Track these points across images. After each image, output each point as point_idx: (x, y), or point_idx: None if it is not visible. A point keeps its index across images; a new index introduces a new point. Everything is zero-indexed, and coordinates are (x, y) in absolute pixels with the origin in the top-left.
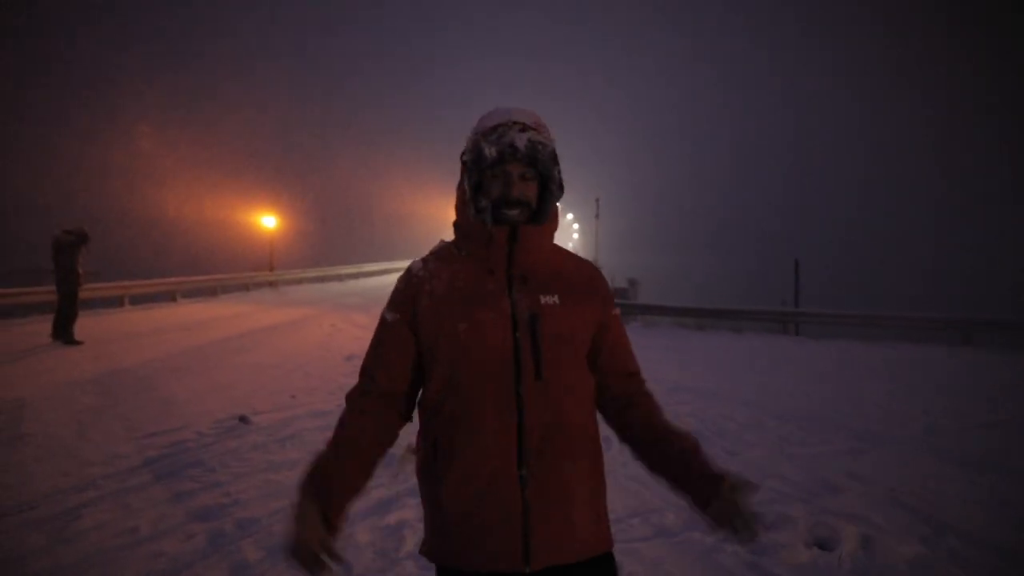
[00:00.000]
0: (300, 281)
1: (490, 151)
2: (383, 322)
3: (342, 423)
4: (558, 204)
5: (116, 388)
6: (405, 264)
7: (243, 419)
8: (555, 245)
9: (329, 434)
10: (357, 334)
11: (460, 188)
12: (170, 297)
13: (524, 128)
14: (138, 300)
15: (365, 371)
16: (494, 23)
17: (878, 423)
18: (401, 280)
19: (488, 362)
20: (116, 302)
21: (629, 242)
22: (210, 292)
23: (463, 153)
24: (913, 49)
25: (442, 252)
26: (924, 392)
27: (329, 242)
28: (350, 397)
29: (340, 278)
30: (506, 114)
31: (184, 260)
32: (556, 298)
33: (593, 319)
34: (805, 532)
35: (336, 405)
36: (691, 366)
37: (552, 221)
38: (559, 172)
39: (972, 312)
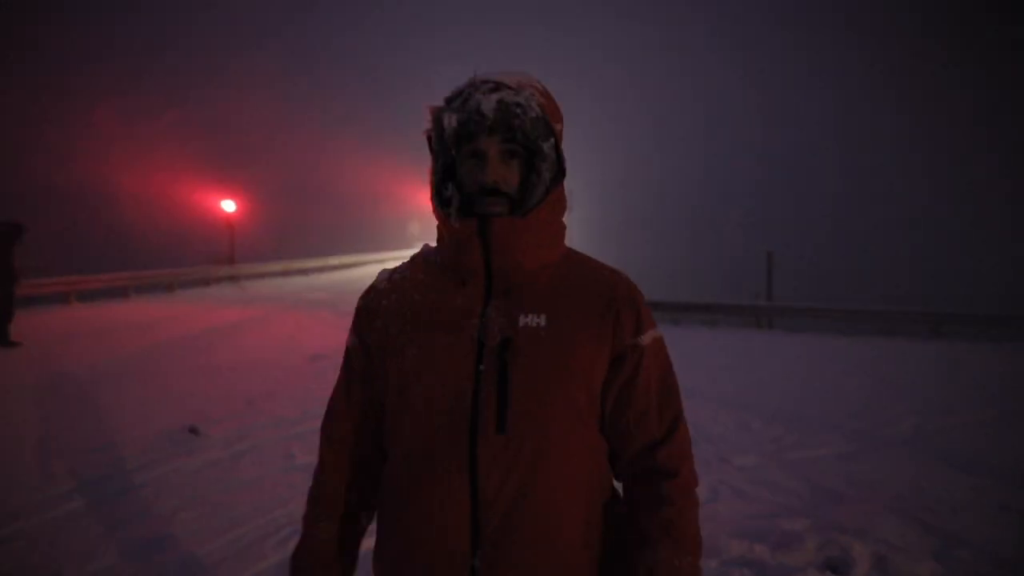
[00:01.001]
0: (263, 275)
1: (450, 121)
2: (345, 352)
3: (318, 468)
4: (564, 189)
5: (54, 396)
6: (376, 257)
7: (194, 430)
8: (567, 249)
9: (298, 456)
10: (323, 332)
11: (430, 175)
12: (121, 294)
13: (497, 87)
14: (86, 297)
15: (330, 402)
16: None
17: (868, 423)
18: (362, 295)
19: (437, 403)
20: (62, 299)
21: (599, 234)
22: (166, 288)
23: (426, 130)
24: (899, 44)
25: (417, 258)
26: (905, 387)
27: (295, 233)
28: (323, 425)
29: (305, 272)
30: (478, 76)
31: (138, 253)
32: (542, 318)
33: (602, 350)
34: (815, 552)
35: (301, 412)
36: None
37: (545, 211)
38: (553, 145)
39: (942, 306)
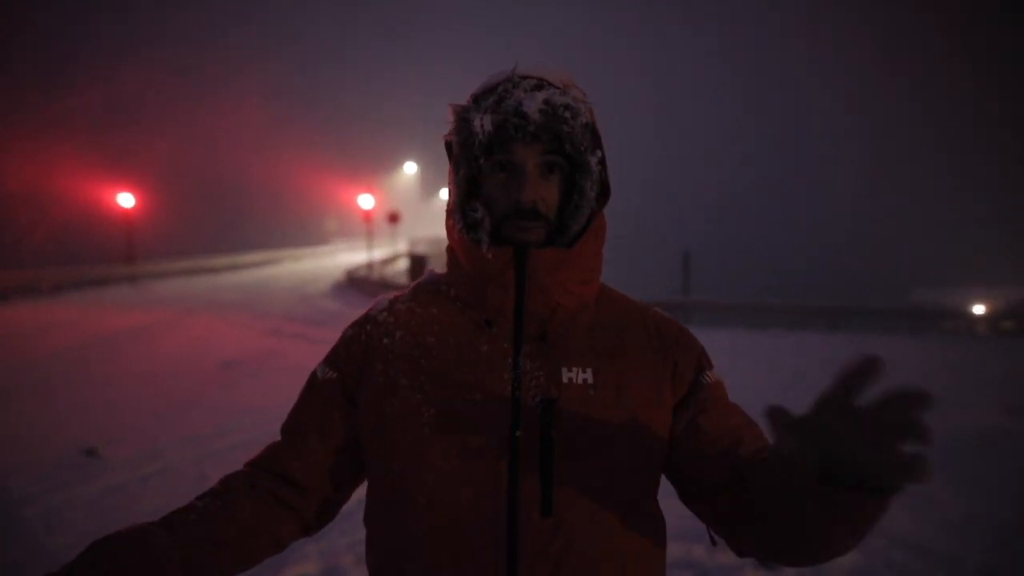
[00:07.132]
0: (166, 275)
1: (483, 123)
2: (311, 381)
3: (213, 492)
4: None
5: None
6: (291, 254)
7: (91, 452)
8: (602, 284)
9: (213, 477)
10: (237, 336)
11: (449, 192)
12: (0, 296)
13: (540, 84)
14: None
15: (272, 445)
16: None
17: None
18: (353, 326)
19: (463, 478)
20: None
21: None
22: (52, 290)
23: (447, 134)
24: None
25: (424, 289)
26: (813, 382)
27: (203, 229)
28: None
29: (215, 270)
30: (511, 72)
31: (18, 250)
32: (588, 373)
33: (660, 402)
34: None
35: (214, 426)
36: None
37: (591, 240)
38: (601, 159)
39: (846, 301)
